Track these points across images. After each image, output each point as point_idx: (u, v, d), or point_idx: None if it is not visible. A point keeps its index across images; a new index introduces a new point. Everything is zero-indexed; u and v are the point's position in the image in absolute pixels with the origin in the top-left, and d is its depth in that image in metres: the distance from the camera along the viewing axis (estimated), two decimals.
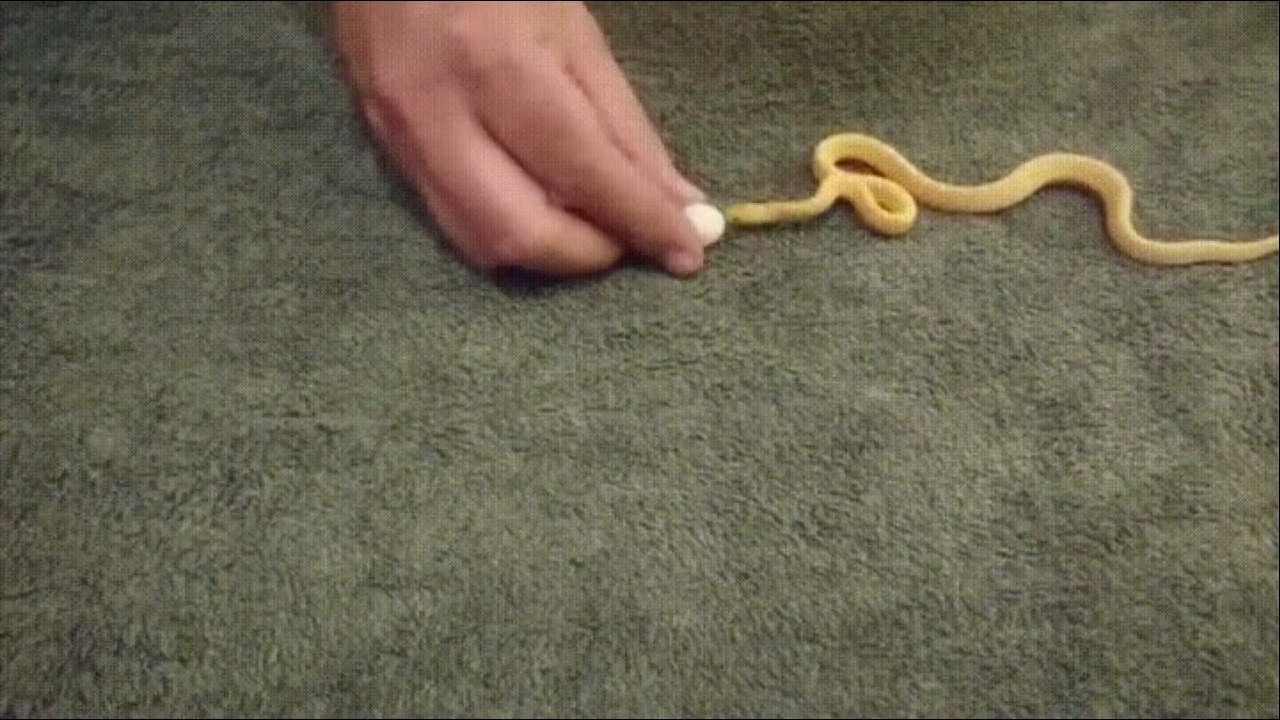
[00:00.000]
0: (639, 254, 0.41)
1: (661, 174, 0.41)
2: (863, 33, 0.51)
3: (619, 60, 0.49)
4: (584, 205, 0.39)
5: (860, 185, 0.42)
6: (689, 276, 0.41)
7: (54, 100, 0.47)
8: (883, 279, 0.41)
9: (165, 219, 0.44)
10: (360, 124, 0.45)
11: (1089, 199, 0.43)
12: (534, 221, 0.38)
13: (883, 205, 0.42)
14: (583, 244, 0.39)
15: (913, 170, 0.43)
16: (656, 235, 0.40)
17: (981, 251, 0.42)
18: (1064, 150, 0.45)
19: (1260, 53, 0.49)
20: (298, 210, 0.44)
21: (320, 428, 0.37)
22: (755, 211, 0.42)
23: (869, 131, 0.47)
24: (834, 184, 0.42)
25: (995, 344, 0.39)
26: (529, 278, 0.41)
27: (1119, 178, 0.43)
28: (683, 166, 0.45)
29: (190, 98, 0.49)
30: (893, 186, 0.43)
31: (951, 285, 0.41)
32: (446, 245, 0.42)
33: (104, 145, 0.46)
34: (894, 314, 0.40)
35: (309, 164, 0.46)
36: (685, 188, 0.42)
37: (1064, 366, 0.38)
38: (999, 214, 0.43)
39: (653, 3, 0.52)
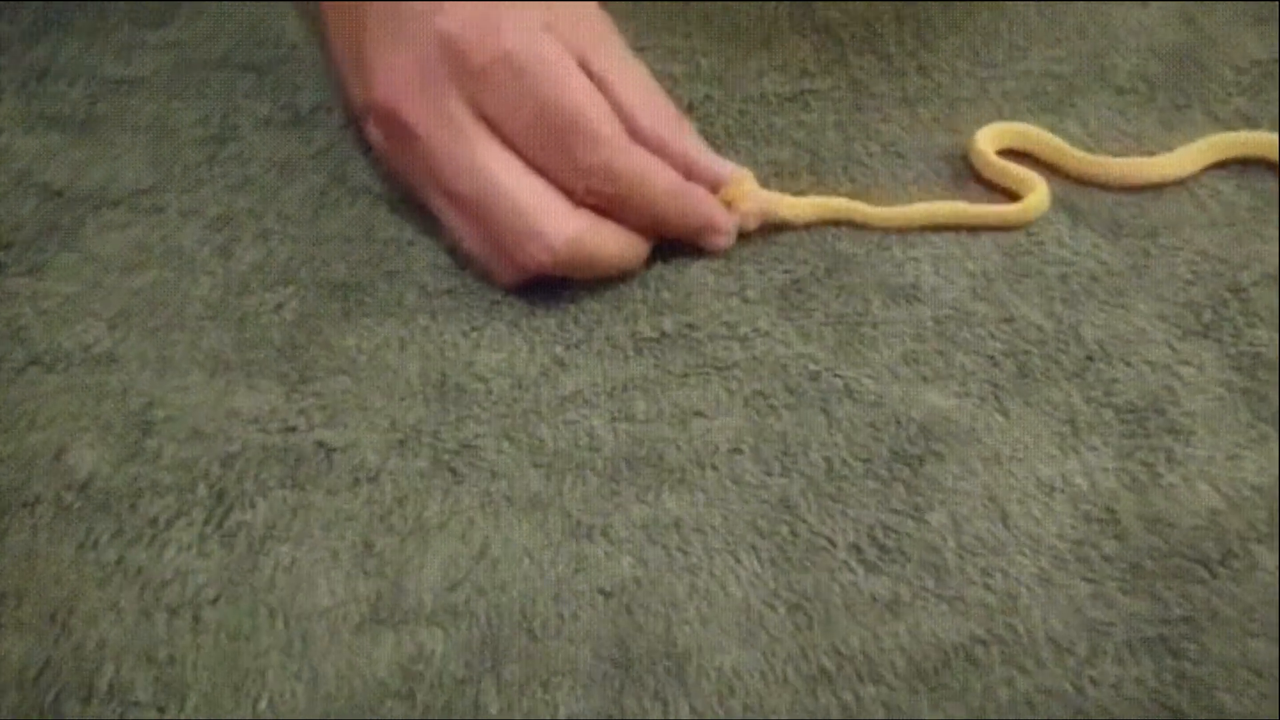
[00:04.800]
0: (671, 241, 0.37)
1: (694, 158, 0.37)
2: (901, 17, 0.46)
3: (639, 50, 0.45)
4: (606, 205, 0.35)
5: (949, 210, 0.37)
6: (721, 253, 0.37)
7: (41, 97, 0.43)
8: (936, 274, 0.37)
9: (157, 220, 0.40)
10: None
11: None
12: (564, 219, 0.34)
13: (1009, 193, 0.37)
14: (614, 240, 0.35)
15: (1078, 152, 0.39)
16: (687, 224, 0.36)
17: (1043, 243, 0.37)
18: (1125, 133, 0.41)
19: None
20: (300, 211, 0.40)
21: (320, 444, 0.33)
22: (803, 208, 0.37)
23: (914, 118, 0.42)
24: (927, 212, 0.37)
25: (1065, 344, 0.34)
26: (545, 278, 0.37)
27: None
28: None
29: (186, 93, 0.45)
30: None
31: (1012, 280, 0.36)
32: (460, 249, 0.38)
33: (92, 143, 0.42)
34: (950, 312, 0.35)
35: (313, 162, 0.42)
36: (725, 167, 0.37)
37: (1144, 368, 0.34)
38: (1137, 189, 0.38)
39: None
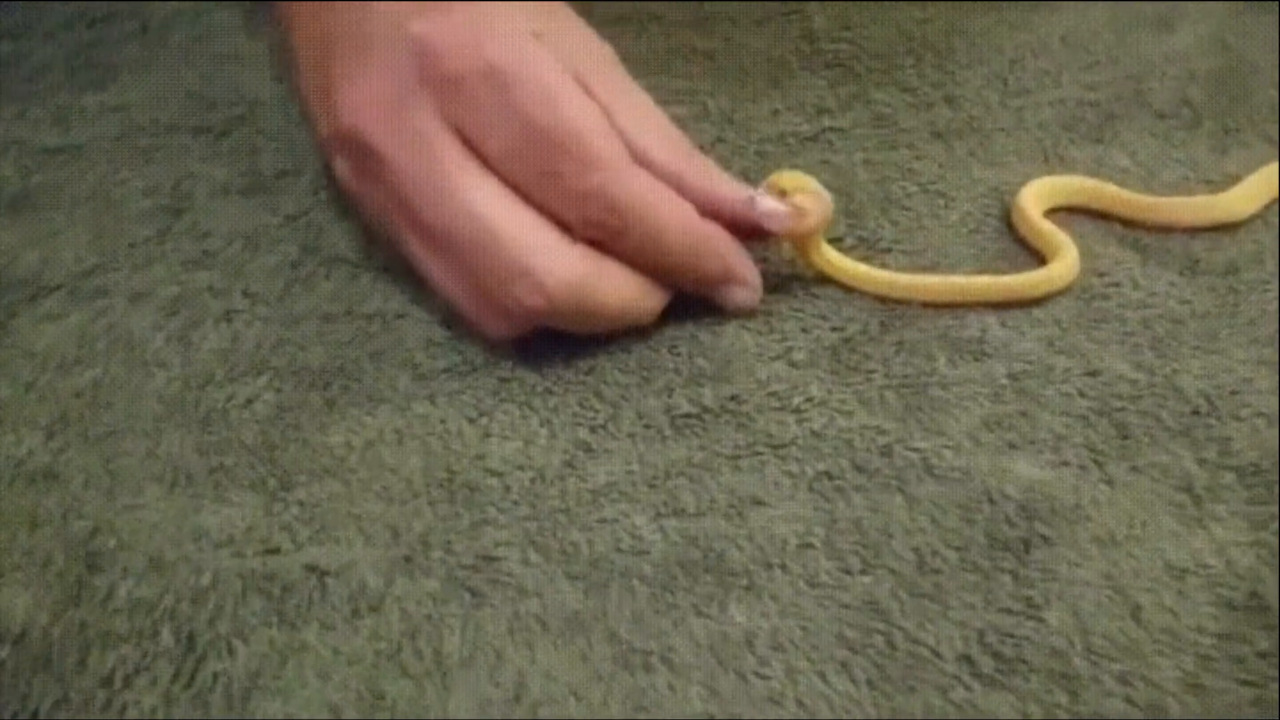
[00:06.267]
0: (686, 291, 0.31)
1: (718, 192, 0.31)
2: (918, 48, 0.42)
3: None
4: (607, 240, 0.29)
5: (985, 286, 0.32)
6: (748, 314, 0.31)
7: None
8: (1002, 325, 0.32)
9: (102, 306, 0.34)
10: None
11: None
12: (557, 258, 0.29)
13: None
14: (618, 285, 0.29)
15: (1140, 197, 0.34)
16: (701, 269, 0.30)
17: (1118, 284, 0.33)
18: (1177, 161, 0.37)
19: None
20: (269, 287, 0.34)
21: (309, 567, 0.27)
22: (852, 272, 0.32)
23: (950, 154, 0.38)
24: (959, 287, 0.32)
25: (1164, 398, 0.30)
26: (558, 346, 0.31)
27: None
28: None
29: (132, 161, 0.39)
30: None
31: (1089, 327, 0.32)
32: (457, 319, 0.32)
33: (26, 222, 0.36)
34: (1026, 367, 0.31)
35: (281, 231, 0.36)
36: (765, 203, 0.31)
37: (1258, 421, 0.29)
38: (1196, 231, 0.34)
39: (673, 29, 0.43)
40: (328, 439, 0.30)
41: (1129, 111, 0.39)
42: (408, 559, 0.27)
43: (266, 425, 0.30)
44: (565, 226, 0.29)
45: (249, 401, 0.31)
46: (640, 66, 0.42)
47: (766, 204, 0.31)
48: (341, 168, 0.31)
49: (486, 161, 0.29)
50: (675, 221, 0.30)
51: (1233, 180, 0.35)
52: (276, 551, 0.27)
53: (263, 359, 0.32)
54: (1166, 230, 0.34)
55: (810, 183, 0.31)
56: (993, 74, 0.41)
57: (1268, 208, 0.35)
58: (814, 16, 0.43)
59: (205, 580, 0.26)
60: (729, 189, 0.31)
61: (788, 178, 0.31)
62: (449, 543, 0.27)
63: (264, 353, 0.32)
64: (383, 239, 0.33)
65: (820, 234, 0.32)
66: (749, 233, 0.31)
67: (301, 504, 0.28)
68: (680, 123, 0.39)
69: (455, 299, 0.30)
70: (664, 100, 0.40)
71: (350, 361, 0.32)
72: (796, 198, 0.31)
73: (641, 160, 0.30)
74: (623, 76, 0.32)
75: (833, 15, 0.44)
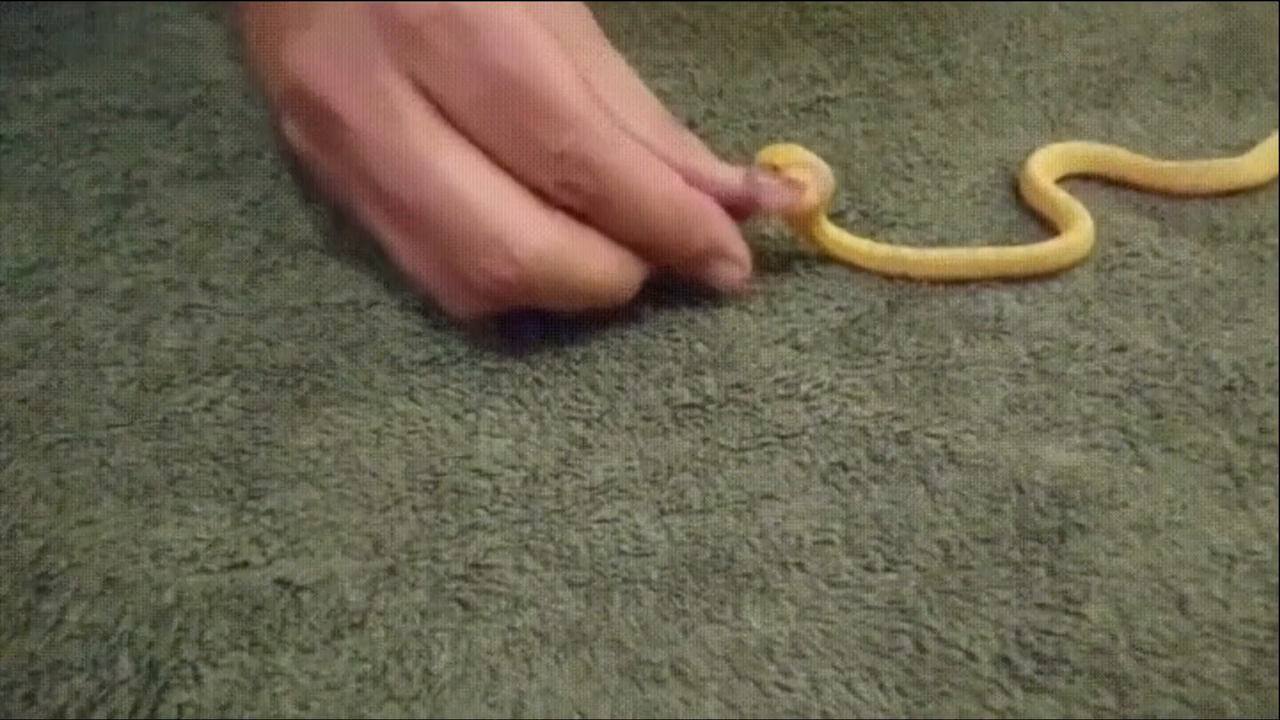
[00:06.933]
0: (671, 269, 0.29)
1: (705, 173, 0.28)
2: (911, 14, 0.40)
3: None
4: (584, 207, 0.27)
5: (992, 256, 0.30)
6: (740, 294, 0.29)
7: None
8: (1019, 301, 0.30)
9: (47, 304, 0.31)
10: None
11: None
12: (530, 228, 0.26)
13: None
14: (596, 257, 0.27)
15: (1155, 163, 0.32)
16: (687, 242, 0.28)
17: (1138, 254, 0.31)
18: (1190, 125, 0.35)
19: None
20: (230, 278, 0.31)
21: (282, 582, 0.24)
22: (852, 246, 0.30)
23: (951, 123, 0.36)
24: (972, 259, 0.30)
25: (1196, 373, 0.28)
26: (545, 332, 0.29)
27: None
28: None
29: (80, 149, 0.36)
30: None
31: (1112, 300, 0.30)
32: (431, 301, 0.30)
33: None
34: (1047, 344, 0.29)
35: (242, 218, 0.33)
36: (732, 174, 0.29)
37: None
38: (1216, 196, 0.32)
39: (656, 1, 0.41)
40: (299, 442, 0.27)
41: (1135, 76, 0.37)
42: (391, 570, 0.24)
43: (231, 429, 0.27)
44: (539, 192, 0.26)
45: (212, 404, 0.28)
46: (623, 40, 0.39)
47: (762, 178, 0.28)
48: (293, 131, 0.28)
49: (451, 120, 0.26)
50: (659, 188, 0.27)
51: (1247, 144, 0.33)
52: (245, 566, 0.24)
53: (225, 357, 0.29)
54: (1184, 197, 0.32)
55: (806, 155, 0.29)
56: (991, 39, 0.39)
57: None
58: None
59: (167, 600, 0.24)
60: (718, 169, 0.29)
61: (782, 151, 0.29)
62: (436, 551, 0.25)
63: (227, 350, 0.29)
64: (348, 216, 0.30)
65: (821, 210, 0.30)
66: (737, 215, 0.29)
67: (272, 514, 0.25)
68: (667, 97, 0.37)
69: (421, 274, 0.28)
70: (649, 74, 0.38)
71: (321, 357, 0.29)
72: (793, 172, 0.29)
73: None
74: (603, 44, 0.30)
75: None
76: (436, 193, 0.26)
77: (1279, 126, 0.34)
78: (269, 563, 0.24)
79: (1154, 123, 0.35)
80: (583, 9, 0.30)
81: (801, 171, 0.29)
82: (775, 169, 0.29)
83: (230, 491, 0.26)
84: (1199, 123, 0.35)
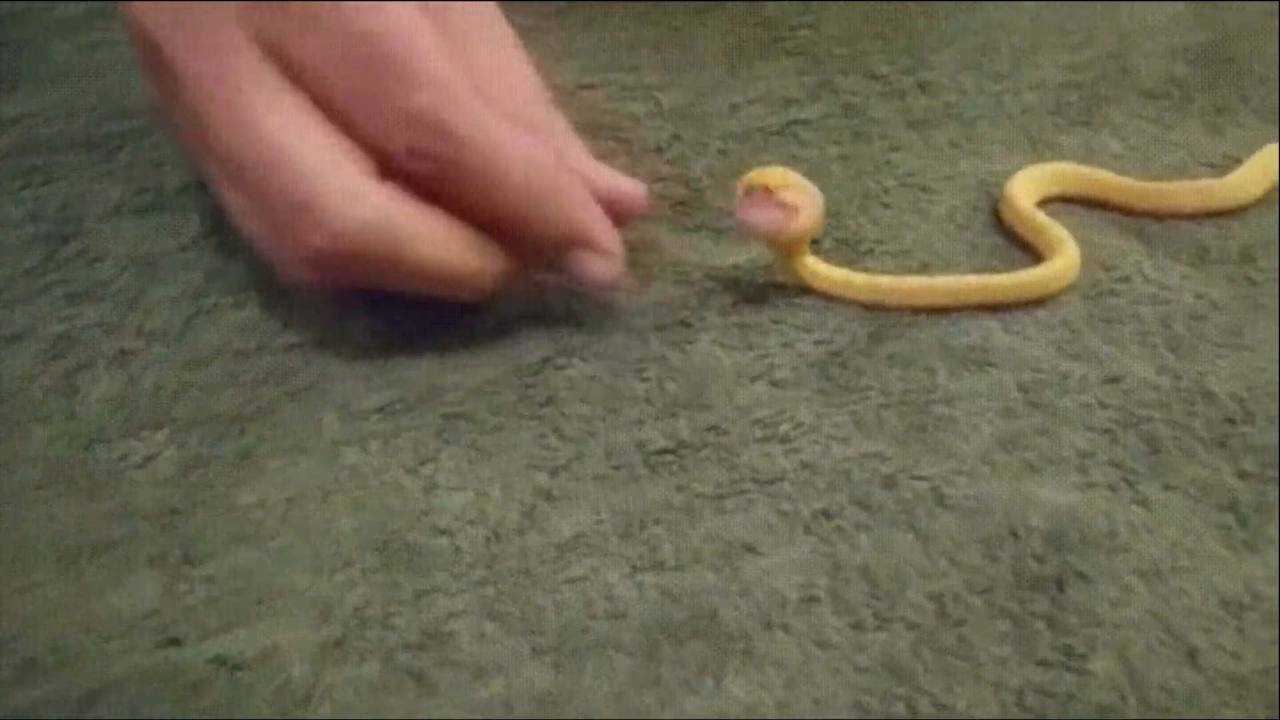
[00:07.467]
0: (532, 261, 0.26)
1: (564, 147, 0.26)
2: (884, 32, 0.39)
3: (584, 88, 0.37)
4: (434, 177, 0.24)
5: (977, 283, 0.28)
6: (608, 290, 0.27)
7: None
8: (1005, 330, 0.28)
9: None
10: None
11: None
12: (353, 195, 0.24)
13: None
14: (432, 236, 0.25)
15: (1138, 184, 0.31)
16: (547, 226, 0.25)
17: (1127, 278, 0.29)
18: (1172, 144, 0.34)
19: None
20: (169, 321, 0.29)
21: (218, 660, 0.22)
22: (829, 276, 0.29)
23: (929, 144, 0.34)
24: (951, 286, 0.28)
25: (1193, 404, 0.26)
26: (509, 373, 0.27)
27: None
28: (699, 204, 0.32)
29: (13, 183, 0.34)
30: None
31: (1102, 328, 0.28)
32: (392, 344, 0.28)
33: None
34: (1037, 376, 0.27)
35: (183, 256, 0.31)
36: (620, 181, 0.27)
37: None
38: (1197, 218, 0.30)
39: (620, 21, 0.39)
40: (241, 499, 0.25)
41: (1115, 93, 0.36)
42: (339, 641, 0.22)
43: (168, 487, 0.25)
44: (387, 163, 0.24)
45: (147, 460, 0.26)
46: (587, 62, 0.38)
47: (752, 205, 0.27)
48: (148, 79, 0.26)
49: (299, 78, 0.24)
50: (520, 161, 0.25)
51: (1232, 162, 0.32)
52: (179, 643, 0.22)
53: (162, 408, 0.27)
54: (1169, 218, 0.31)
55: (798, 178, 0.27)
56: (966, 57, 0.37)
57: (1272, 190, 0.32)
58: (768, 2, 0.40)
59: (93, 684, 0.22)
60: (591, 162, 0.27)
61: (772, 173, 0.27)
62: (389, 618, 0.23)
63: (164, 400, 0.27)
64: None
65: (809, 237, 0.28)
66: (616, 219, 0.27)
67: (210, 580, 0.23)
68: (635, 120, 0.35)
69: (252, 235, 0.26)
70: (613, 97, 0.36)
71: (266, 405, 0.27)
72: (785, 195, 0.27)
73: (488, 103, 0.25)
74: (492, 18, 0.27)
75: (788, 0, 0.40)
76: (261, 150, 0.24)
77: (1263, 145, 0.32)
78: (205, 637, 0.22)
79: (1135, 142, 0.34)
80: None
81: (794, 194, 0.27)
82: (766, 190, 0.27)
83: (164, 558, 0.24)
84: (1182, 140, 0.34)
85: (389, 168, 0.25)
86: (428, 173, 0.24)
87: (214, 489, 0.25)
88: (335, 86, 0.24)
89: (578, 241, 0.26)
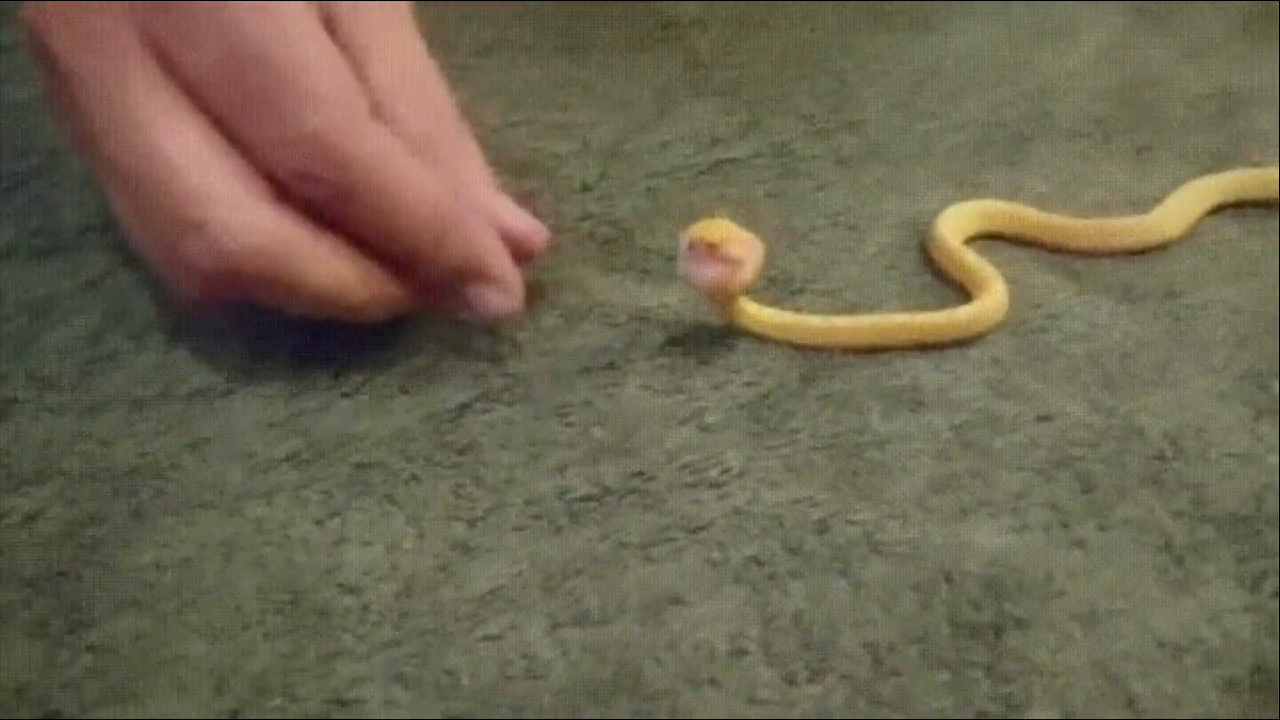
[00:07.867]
0: (428, 291, 0.26)
1: (473, 188, 0.26)
2: (811, 72, 0.39)
3: (514, 125, 0.36)
4: (327, 203, 0.24)
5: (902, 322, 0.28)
6: (500, 319, 0.26)
7: None
8: (936, 369, 0.28)
9: None
10: None
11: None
12: (241, 215, 0.23)
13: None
14: (324, 261, 0.24)
15: (1065, 221, 0.31)
16: (442, 256, 0.25)
17: (1055, 316, 0.29)
18: (1095, 182, 0.34)
19: (1265, 57, 0.39)
20: (61, 368, 0.28)
21: None
22: (761, 317, 0.28)
23: (856, 183, 0.34)
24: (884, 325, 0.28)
25: (1126, 441, 0.26)
26: (424, 419, 0.26)
27: None
28: (627, 243, 0.31)
29: None
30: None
31: (1033, 366, 0.28)
32: (302, 389, 0.26)
33: None
34: (969, 417, 0.26)
35: (80, 299, 0.30)
36: (520, 219, 0.26)
37: (1229, 462, 0.25)
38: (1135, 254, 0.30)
39: (547, 58, 0.39)
40: (133, 559, 0.23)
41: (1039, 132, 0.36)
42: (235, 713, 0.21)
43: (52, 548, 0.23)
44: (273, 178, 0.23)
45: (30, 518, 0.24)
46: (514, 99, 0.37)
47: (695, 260, 0.26)
48: (41, 79, 0.25)
49: (190, 87, 0.23)
50: (413, 192, 0.24)
51: (1153, 198, 0.33)
52: (59, 717, 0.20)
53: (51, 462, 0.25)
54: (1094, 255, 0.31)
55: (740, 231, 0.27)
56: (892, 97, 0.37)
57: (1193, 227, 0.32)
58: (696, 41, 0.40)
59: None
60: (497, 204, 0.26)
61: (713, 228, 0.27)
62: (290, 686, 0.21)
63: (53, 453, 0.25)
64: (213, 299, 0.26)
65: (748, 288, 0.27)
66: (517, 257, 0.26)
67: (94, 650, 0.21)
68: (560, 160, 0.35)
69: (142, 248, 0.25)
70: (539, 135, 0.36)
71: (165, 457, 0.25)
72: (729, 249, 0.26)
73: (387, 120, 0.24)
74: (403, 32, 0.26)
75: (716, 39, 0.40)
76: (151, 165, 0.23)
77: (1183, 182, 0.33)
78: (85, 711, 0.20)
79: (1060, 180, 0.34)
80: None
81: (738, 248, 0.27)
82: (710, 246, 0.26)
83: (45, 626, 0.22)
84: (1104, 178, 0.34)
85: (280, 189, 0.23)
86: (318, 197, 0.23)
87: (103, 549, 0.23)
88: (219, 100, 0.23)
89: (474, 273, 0.25)
